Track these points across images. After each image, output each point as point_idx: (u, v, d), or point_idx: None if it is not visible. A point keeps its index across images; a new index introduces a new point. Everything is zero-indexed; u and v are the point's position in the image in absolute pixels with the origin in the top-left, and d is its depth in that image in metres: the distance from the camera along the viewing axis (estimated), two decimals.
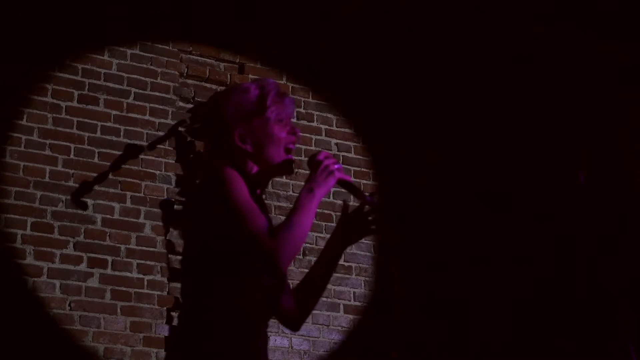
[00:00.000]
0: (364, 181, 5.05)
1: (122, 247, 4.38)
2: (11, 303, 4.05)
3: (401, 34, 5.40)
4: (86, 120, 4.50)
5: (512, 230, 5.17)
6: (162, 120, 4.68)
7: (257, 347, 2.11)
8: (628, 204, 5.49)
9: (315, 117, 5.11)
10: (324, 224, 4.83)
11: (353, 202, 2.38)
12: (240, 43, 5.02)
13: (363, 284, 4.89)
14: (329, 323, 4.72)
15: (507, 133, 5.41)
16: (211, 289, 2.07)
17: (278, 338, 4.54)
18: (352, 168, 5.03)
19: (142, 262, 4.39)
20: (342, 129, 5.16)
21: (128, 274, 4.35)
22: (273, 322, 2.27)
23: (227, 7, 4.99)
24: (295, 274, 4.32)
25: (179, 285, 4.42)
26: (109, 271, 4.30)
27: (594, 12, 5.42)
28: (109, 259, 4.33)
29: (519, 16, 5.52)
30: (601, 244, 5.17)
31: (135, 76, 4.69)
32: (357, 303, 4.84)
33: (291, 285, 2.36)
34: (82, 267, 4.26)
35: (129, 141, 4.56)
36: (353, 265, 4.87)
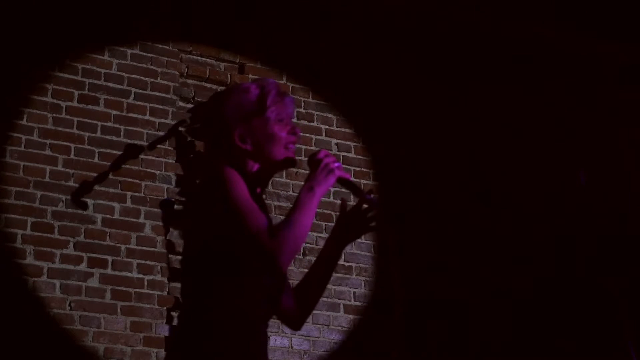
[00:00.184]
0: (364, 181, 5.05)
1: (122, 247, 4.38)
2: (11, 303, 4.05)
3: (401, 34, 5.40)
4: (86, 120, 4.51)
5: (512, 230, 5.18)
6: (162, 120, 4.68)
7: (257, 347, 2.10)
8: (628, 204, 5.49)
9: (315, 117, 5.11)
10: (324, 223, 4.83)
11: (352, 201, 2.38)
12: (240, 43, 5.02)
13: (363, 284, 4.89)
14: (329, 323, 4.72)
15: (507, 133, 5.41)
16: (211, 289, 2.07)
17: (278, 338, 4.54)
18: (352, 168, 5.03)
19: (142, 262, 4.39)
20: (342, 129, 5.16)
21: (128, 274, 4.35)
22: (273, 322, 2.27)
23: (227, 7, 4.99)
24: (295, 274, 4.32)
25: (179, 285, 4.42)
26: (109, 271, 4.30)
27: (594, 12, 5.42)
28: (109, 258, 4.33)
29: (519, 16, 5.53)
30: (601, 244, 5.17)
31: (135, 76, 4.69)
32: (357, 303, 4.84)
33: (291, 285, 2.36)
34: (82, 267, 4.26)
35: (129, 141, 4.56)
36: (353, 265, 4.87)
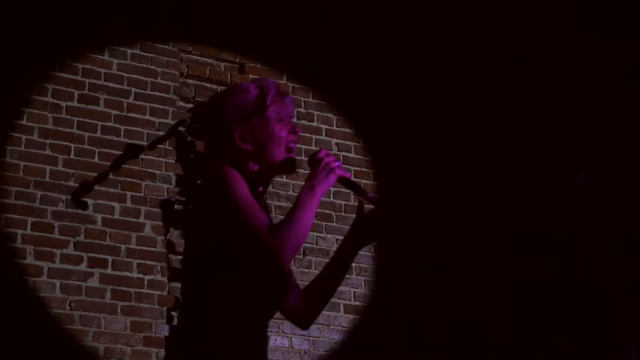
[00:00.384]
0: (364, 181, 5.05)
1: (122, 247, 4.38)
2: (11, 303, 4.05)
3: (401, 34, 5.40)
4: (86, 120, 4.51)
5: (512, 230, 5.18)
6: (162, 120, 4.68)
7: (257, 347, 2.10)
8: (628, 204, 5.49)
9: (315, 117, 5.11)
10: (324, 223, 4.83)
11: (353, 202, 2.38)
12: (240, 43, 5.02)
13: (363, 284, 4.89)
14: (329, 323, 4.72)
15: (507, 133, 5.41)
16: (211, 289, 2.07)
17: (278, 338, 4.54)
18: (353, 168, 5.03)
19: (142, 262, 4.39)
20: (342, 129, 5.16)
21: (128, 274, 4.35)
22: (273, 322, 2.27)
23: (227, 7, 4.99)
24: (295, 273, 4.29)
25: (179, 285, 4.42)
26: (109, 271, 4.31)
27: (594, 12, 5.42)
28: (109, 258, 4.33)
29: (519, 16, 5.52)
30: (601, 244, 5.17)
31: (135, 76, 4.69)
32: (357, 303, 4.84)
33: (299, 285, 2.37)
34: (82, 267, 4.26)
35: (129, 141, 4.56)
36: (353, 265, 4.82)
